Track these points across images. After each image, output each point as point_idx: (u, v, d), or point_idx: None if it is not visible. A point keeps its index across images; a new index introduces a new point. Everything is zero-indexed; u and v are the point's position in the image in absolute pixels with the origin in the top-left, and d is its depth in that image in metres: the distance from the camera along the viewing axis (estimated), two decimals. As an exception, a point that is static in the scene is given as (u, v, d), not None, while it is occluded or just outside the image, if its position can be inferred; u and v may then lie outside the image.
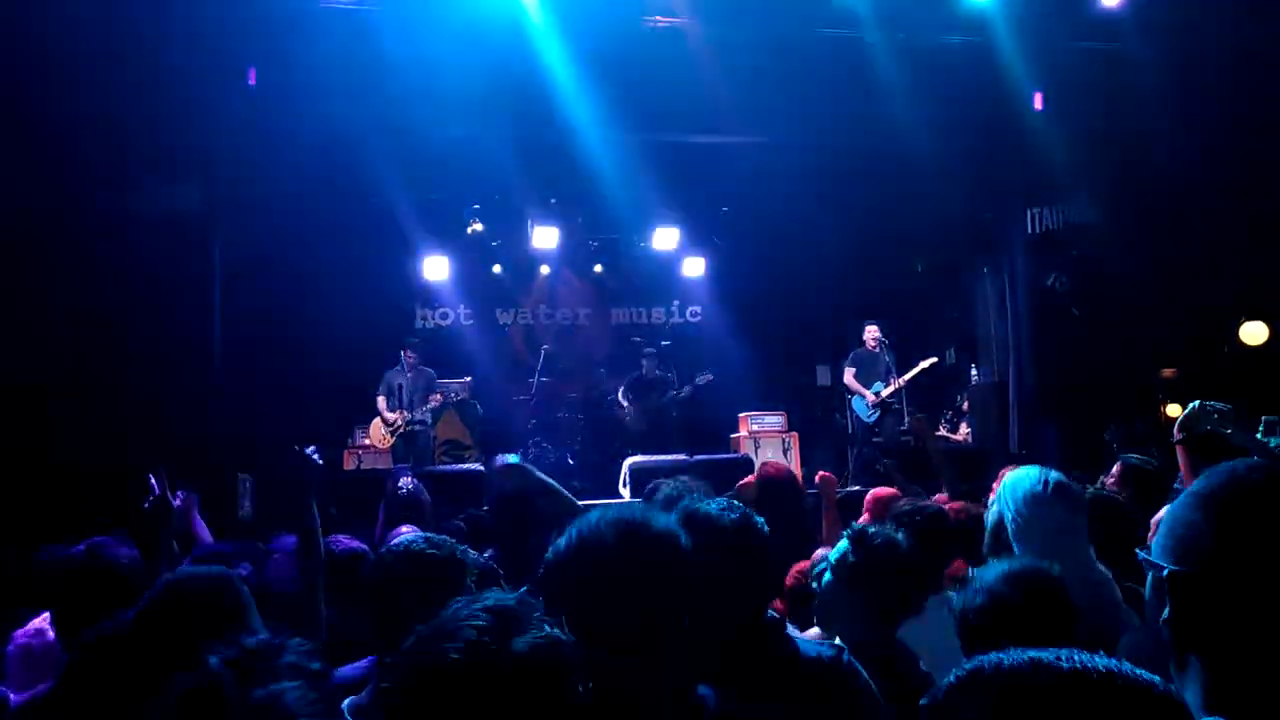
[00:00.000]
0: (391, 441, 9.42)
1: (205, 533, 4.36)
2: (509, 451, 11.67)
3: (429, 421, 9.53)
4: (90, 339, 7.32)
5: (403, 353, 9.75)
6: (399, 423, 9.31)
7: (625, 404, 10.68)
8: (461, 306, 13.21)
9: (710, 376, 10.81)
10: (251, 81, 7.71)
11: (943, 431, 11.60)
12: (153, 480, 3.34)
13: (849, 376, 9.85)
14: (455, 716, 1.17)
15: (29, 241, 7.20)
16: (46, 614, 3.03)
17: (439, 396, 9.75)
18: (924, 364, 9.77)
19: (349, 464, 10.53)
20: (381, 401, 9.54)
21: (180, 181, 7.55)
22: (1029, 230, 9.45)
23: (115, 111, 7.43)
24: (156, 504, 3.33)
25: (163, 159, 7.58)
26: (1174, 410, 8.48)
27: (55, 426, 7.02)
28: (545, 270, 13.33)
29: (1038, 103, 9.35)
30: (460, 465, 10.30)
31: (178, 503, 3.56)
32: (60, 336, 7.23)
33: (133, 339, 7.42)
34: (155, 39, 7.45)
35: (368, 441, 10.36)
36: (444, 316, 13.26)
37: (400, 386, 9.47)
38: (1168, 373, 8.95)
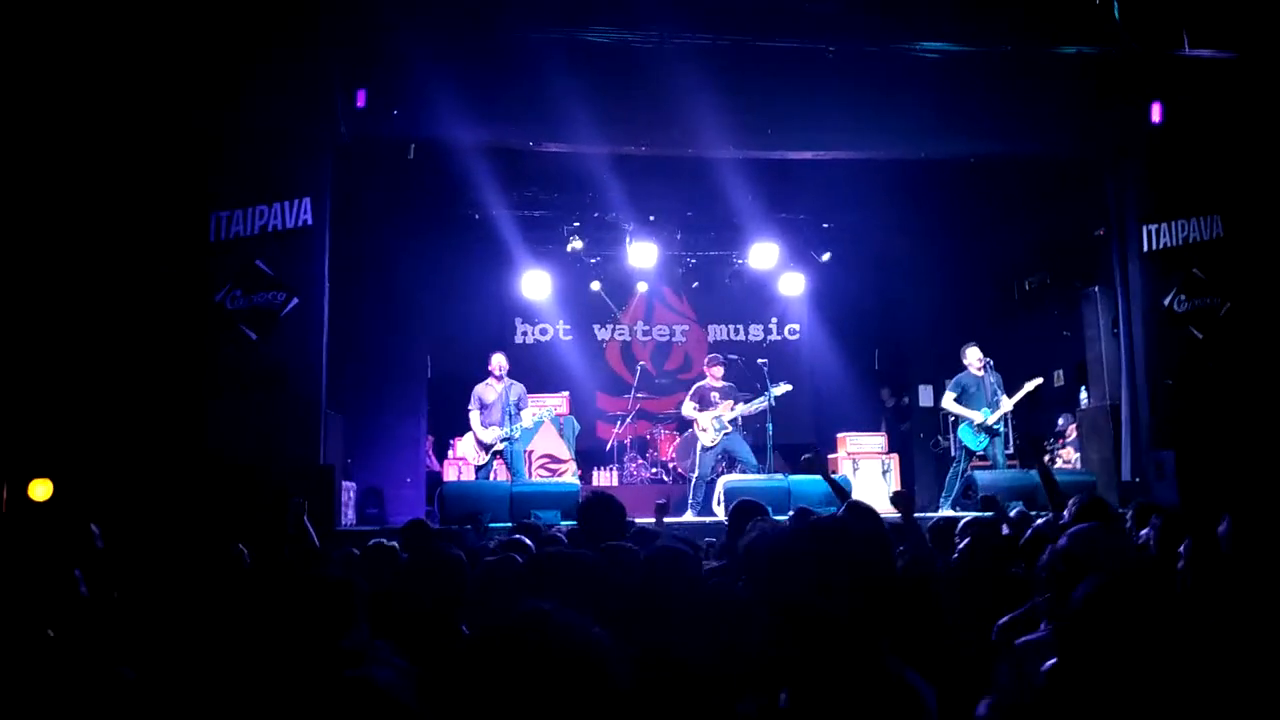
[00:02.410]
0: (486, 459, 9.26)
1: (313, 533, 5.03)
2: (605, 467, 11.82)
3: (518, 437, 9.35)
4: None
5: (489, 367, 9.43)
6: (495, 442, 9.25)
7: (692, 413, 9.93)
8: (560, 322, 13.40)
9: (789, 387, 10.05)
10: (360, 104, 8.02)
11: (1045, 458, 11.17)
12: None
13: (949, 401, 9.50)
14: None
15: (136, 257, 7.57)
16: None
17: (534, 412, 9.47)
18: (1030, 386, 9.39)
19: (449, 475, 10.80)
20: (474, 417, 9.38)
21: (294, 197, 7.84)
22: (1145, 247, 8.99)
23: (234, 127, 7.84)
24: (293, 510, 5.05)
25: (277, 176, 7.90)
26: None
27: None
28: (643, 287, 13.40)
29: (1156, 114, 8.96)
30: (557, 480, 10.44)
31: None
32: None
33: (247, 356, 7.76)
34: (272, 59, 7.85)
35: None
36: (544, 332, 13.47)
37: (492, 401, 9.24)
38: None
